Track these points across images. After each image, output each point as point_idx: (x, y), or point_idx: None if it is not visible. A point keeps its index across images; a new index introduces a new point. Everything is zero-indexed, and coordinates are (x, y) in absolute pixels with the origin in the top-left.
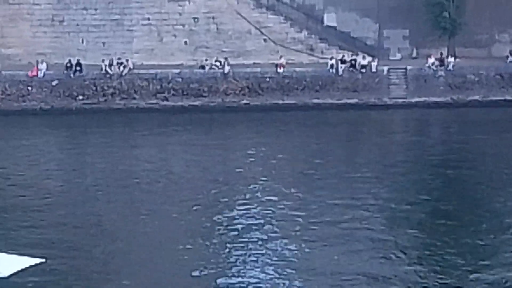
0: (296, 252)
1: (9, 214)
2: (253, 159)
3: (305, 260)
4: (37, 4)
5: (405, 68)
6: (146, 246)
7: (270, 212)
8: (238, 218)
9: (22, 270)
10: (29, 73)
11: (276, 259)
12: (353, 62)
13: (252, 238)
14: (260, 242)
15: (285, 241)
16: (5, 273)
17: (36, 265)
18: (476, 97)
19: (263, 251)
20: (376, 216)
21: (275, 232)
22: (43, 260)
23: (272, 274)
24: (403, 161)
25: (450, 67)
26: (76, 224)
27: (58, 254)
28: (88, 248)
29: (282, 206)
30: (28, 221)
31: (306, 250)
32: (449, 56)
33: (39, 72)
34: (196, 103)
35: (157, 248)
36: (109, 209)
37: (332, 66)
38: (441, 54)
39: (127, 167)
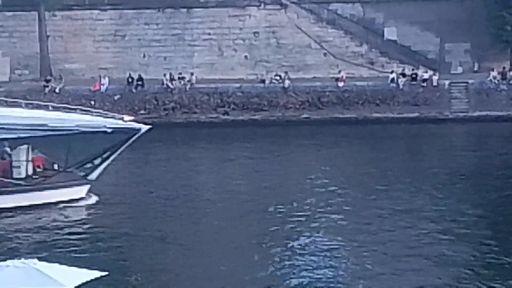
0: (362, 264)
1: (71, 229)
2: (313, 173)
3: (367, 272)
4: (100, 20)
5: (467, 82)
6: (212, 259)
7: (335, 223)
8: (303, 230)
9: (85, 283)
10: (92, 88)
11: (343, 268)
12: (413, 75)
13: (318, 249)
14: (325, 253)
15: (351, 251)
16: (69, 286)
17: (99, 277)
18: None
19: (331, 264)
20: (439, 230)
21: (339, 242)
22: (107, 273)
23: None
24: (464, 175)
25: None
26: (138, 238)
27: (121, 267)
28: (151, 262)
29: (345, 217)
30: (91, 234)
31: (368, 262)
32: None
33: (101, 86)
34: (256, 117)
35: (224, 261)
36: (171, 222)
37: (392, 80)
38: (504, 67)
39: (188, 180)
